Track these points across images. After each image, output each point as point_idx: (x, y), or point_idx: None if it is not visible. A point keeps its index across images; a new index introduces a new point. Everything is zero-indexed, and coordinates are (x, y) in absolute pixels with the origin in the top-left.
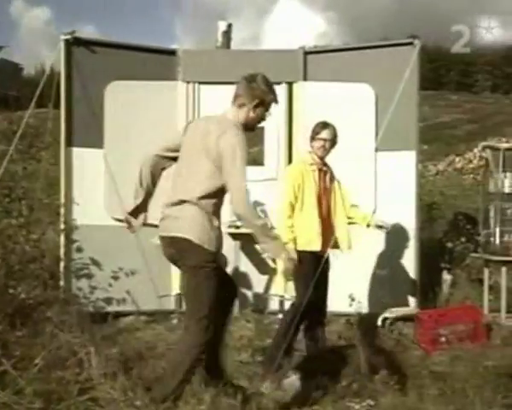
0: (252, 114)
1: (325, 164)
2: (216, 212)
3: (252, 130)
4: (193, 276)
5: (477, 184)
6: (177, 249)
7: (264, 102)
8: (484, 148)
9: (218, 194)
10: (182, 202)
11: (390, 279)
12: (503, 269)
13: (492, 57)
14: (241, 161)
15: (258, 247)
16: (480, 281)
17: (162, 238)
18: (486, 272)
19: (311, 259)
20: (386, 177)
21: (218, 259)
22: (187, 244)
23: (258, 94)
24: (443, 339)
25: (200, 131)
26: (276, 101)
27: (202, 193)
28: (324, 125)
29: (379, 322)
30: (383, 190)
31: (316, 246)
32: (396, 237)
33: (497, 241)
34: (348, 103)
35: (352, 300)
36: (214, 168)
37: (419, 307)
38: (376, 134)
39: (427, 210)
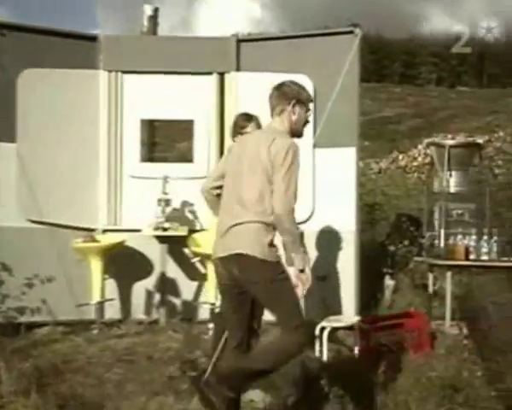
0: (294, 116)
1: None
2: (270, 223)
3: (300, 135)
4: (269, 291)
5: (421, 183)
6: (241, 268)
7: (300, 101)
8: (428, 145)
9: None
10: (239, 218)
11: (328, 285)
12: (448, 274)
13: (437, 48)
14: (290, 164)
15: (187, 251)
16: (425, 286)
17: (221, 259)
18: (431, 277)
19: None
20: (324, 175)
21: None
22: (251, 260)
23: (292, 94)
24: (385, 349)
25: (248, 147)
26: (310, 98)
27: (259, 207)
28: (249, 117)
29: (316, 331)
30: (322, 189)
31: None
32: (335, 239)
33: (442, 244)
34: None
35: None
36: (265, 178)
37: (359, 314)
38: (314, 129)
39: (368, 211)
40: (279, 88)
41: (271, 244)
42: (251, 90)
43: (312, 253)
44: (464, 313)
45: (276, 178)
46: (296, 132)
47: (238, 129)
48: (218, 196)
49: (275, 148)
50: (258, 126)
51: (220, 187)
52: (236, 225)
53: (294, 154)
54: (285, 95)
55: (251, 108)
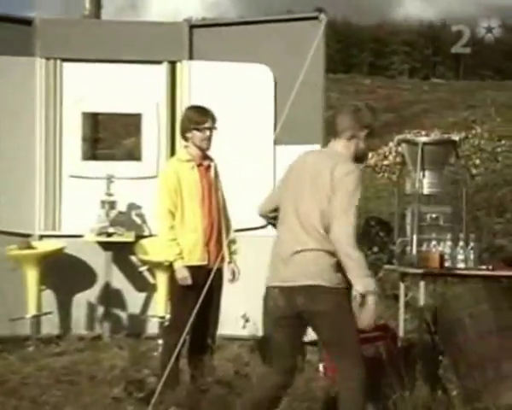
0: (361, 145)
1: (206, 156)
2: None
3: (362, 161)
4: (333, 320)
5: (392, 184)
6: (307, 298)
7: (372, 132)
8: (400, 142)
9: None
10: (304, 245)
11: None
12: (422, 283)
13: (410, 36)
14: (353, 189)
15: (134, 258)
16: (396, 297)
17: (282, 289)
18: (402, 286)
19: (198, 274)
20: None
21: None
22: (319, 290)
23: (367, 122)
24: None
25: (309, 168)
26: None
27: (323, 232)
28: (205, 111)
29: None
30: None
31: (202, 259)
32: None
33: (415, 251)
34: (242, 88)
35: (246, 321)
36: (328, 202)
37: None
38: (275, 124)
39: None
40: (355, 112)
41: (338, 270)
42: (205, 80)
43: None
44: (439, 327)
45: (338, 202)
46: (360, 159)
47: (193, 125)
48: (276, 218)
49: (338, 173)
50: (214, 122)
51: (277, 209)
52: (302, 251)
53: (358, 179)
54: (360, 120)
55: (205, 101)
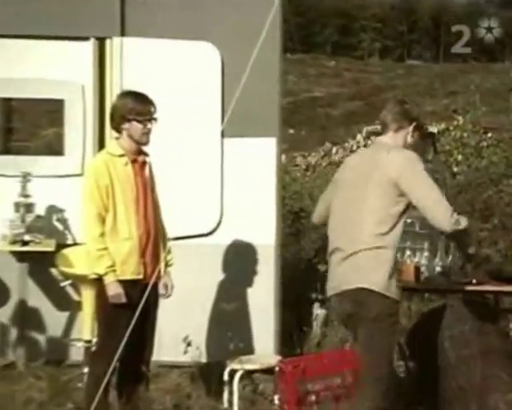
0: (409, 139)
1: (141, 151)
2: (393, 248)
3: None
4: (373, 329)
5: None
6: (353, 303)
7: (418, 125)
8: (369, 134)
9: (394, 226)
10: (357, 245)
11: (240, 316)
12: None
13: (381, 10)
14: (423, 172)
15: (54, 271)
16: None
17: (335, 296)
18: None
19: (132, 290)
20: (236, 173)
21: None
22: (366, 294)
23: (413, 115)
24: (313, 398)
25: (360, 167)
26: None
27: (379, 230)
28: (147, 99)
29: (225, 376)
30: (232, 191)
31: (137, 272)
32: (248, 257)
33: None
34: (184, 70)
35: (188, 345)
36: (386, 197)
37: (280, 354)
38: (223, 113)
39: (292, 219)
40: (400, 104)
41: (391, 277)
42: (139, 61)
43: (218, 275)
44: (414, 350)
45: (416, 191)
46: None
47: (132, 115)
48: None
49: (396, 162)
50: (155, 112)
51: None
52: (355, 253)
53: (418, 160)
54: (406, 113)
55: (139, 85)
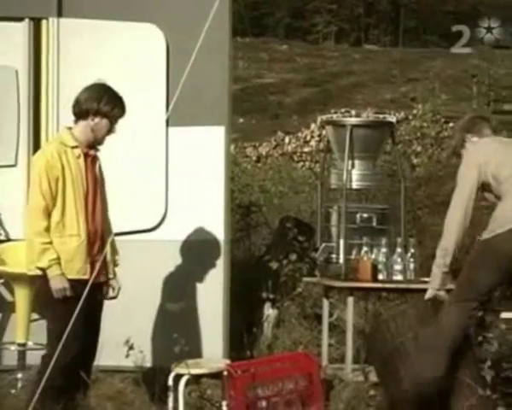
0: None
1: (93, 146)
2: None
3: None
4: None
5: (314, 176)
6: None
7: None
8: (324, 124)
9: None
10: None
11: (186, 317)
12: (350, 300)
13: None
14: None
15: None
16: (318, 317)
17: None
18: (326, 304)
19: (78, 290)
20: (181, 165)
21: None
22: None
23: None
24: (263, 404)
25: None
26: None
27: None
28: (115, 94)
29: (170, 381)
30: (177, 183)
31: (83, 272)
32: (195, 254)
33: (342, 259)
34: (126, 54)
35: (130, 348)
36: None
37: (228, 357)
38: (168, 100)
39: (242, 214)
40: None
41: None
42: (78, 43)
43: (163, 273)
44: (371, 354)
45: None
46: None
47: (92, 107)
48: None
49: None
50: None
51: None
52: None
53: None
54: None
55: (78, 69)
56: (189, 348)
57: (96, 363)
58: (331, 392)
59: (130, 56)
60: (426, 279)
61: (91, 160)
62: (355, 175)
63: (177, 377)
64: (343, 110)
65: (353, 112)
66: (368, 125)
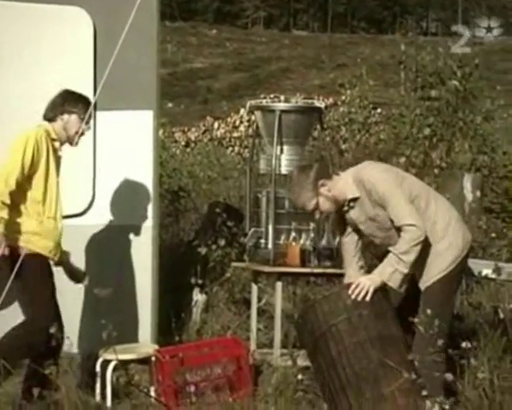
0: None
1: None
2: None
3: None
4: None
5: (243, 161)
6: None
7: None
8: (253, 109)
9: None
10: None
11: (114, 303)
12: (279, 285)
13: None
14: None
15: None
16: (247, 302)
17: None
18: (255, 289)
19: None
20: (108, 149)
21: None
22: None
23: None
24: (192, 389)
25: None
26: None
27: None
28: (88, 100)
29: (97, 367)
30: (104, 169)
31: (54, 252)
32: (124, 239)
33: (270, 244)
34: (51, 38)
35: None
36: None
37: (157, 342)
38: (95, 84)
39: (170, 199)
40: None
41: None
42: (5, 25)
43: (90, 256)
44: (302, 336)
45: None
46: None
47: (70, 105)
48: None
49: None
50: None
51: None
52: None
53: None
54: None
55: (2, 54)
56: (116, 333)
57: None
58: (259, 377)
59: (57, 41)
60: None
61: (58, 157)
62: (284, 160)
63: (105, 363)
64: (272, 95)
65: (282, 97)
66: (296, 111)
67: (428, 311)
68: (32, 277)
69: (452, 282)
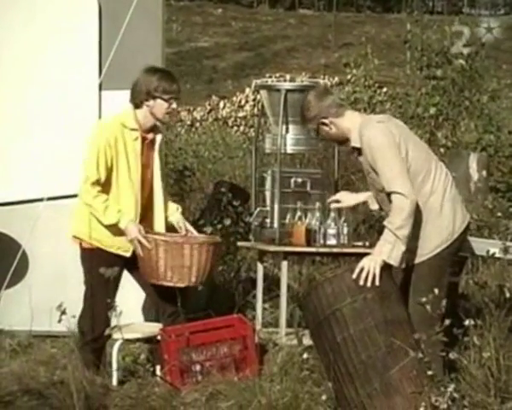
0: None
1: (153, 129)
2: None
3: None
4: None
5: (248, 140)
6: None
7: None
8: (258, 88)
9: None
10: None
11: (118, 282)
12: (284, 264)
13: None
14: None
15: None
16: (252, 281)
17: None
18: (261, 268)
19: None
20: None
21: None
22: None
23: None
24: (197, 368)
25: None
26: None
27: None
28: (173, 77)
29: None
30: None
31: (124, 248)
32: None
33: (276, 224)
34: (57, 17)
35: (63, 313)
36: None
37: (161, 321)
38: (101, 64)
39: (175, 179)
40: None
41: None
42: (3, 4)
43: None
44: (306, 318)
45: None
46: None
47: (159, 93)
48: None
49: None
50: (180, 90)
51: None
52: None
53: None
54: None
55: (4, 31)
56: (122, 312)
57: (27, 328)
58: (265, 356)
59: (63, 20)
60: (359, 243)
61: (148, 145)
62: (289, 140)
63: (111, 342)
64: (277, 75)
65: (288, 76)
66: (302, 90)
67: (419, 289)
68: None
69: (442, 265)
